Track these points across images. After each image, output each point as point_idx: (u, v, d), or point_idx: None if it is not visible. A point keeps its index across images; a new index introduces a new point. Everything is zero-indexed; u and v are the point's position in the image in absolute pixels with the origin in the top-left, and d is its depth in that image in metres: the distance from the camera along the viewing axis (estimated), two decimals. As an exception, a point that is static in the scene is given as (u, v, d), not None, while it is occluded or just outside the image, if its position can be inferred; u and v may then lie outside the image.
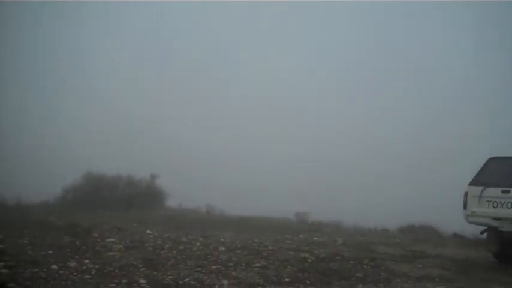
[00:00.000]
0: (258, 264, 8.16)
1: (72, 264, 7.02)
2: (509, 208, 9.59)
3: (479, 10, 27.22)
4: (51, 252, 7.69)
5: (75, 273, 6.56)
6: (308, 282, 7.33)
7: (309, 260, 8.92)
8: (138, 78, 28.82)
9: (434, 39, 30.60)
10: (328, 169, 25.67)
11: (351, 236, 13.59)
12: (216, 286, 6.54)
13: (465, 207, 10.25)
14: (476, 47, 29.09)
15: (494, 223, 9.79)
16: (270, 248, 9.80)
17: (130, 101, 27.46)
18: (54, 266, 6.80)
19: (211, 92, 28.85)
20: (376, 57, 30.33)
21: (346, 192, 22.79)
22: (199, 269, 7.45)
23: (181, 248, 9.06)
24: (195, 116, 27.99)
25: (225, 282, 6.81)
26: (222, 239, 10.35)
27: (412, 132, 25.94)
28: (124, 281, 6.37)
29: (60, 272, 6.58)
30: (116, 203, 17.27)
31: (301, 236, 12.29)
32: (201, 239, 10.09)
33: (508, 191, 9.62)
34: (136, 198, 18.20)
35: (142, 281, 6.44)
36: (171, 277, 6.78)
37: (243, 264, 8.03)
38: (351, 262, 9.05)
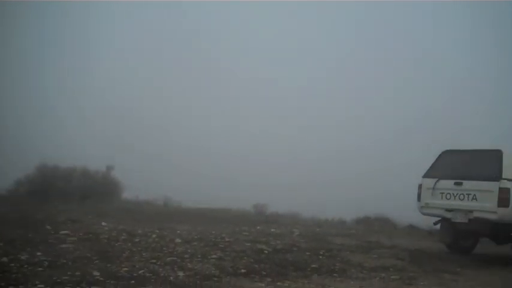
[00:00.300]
0: (214, 256, 8.18)
1: (23, 256, 6.88)
2: (461, 200, 9.91)
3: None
4: (1, 244, 7.52)
5: (26, 266, 6.44)
6: (264, 273, 7.40)
7: (266, 251, 9.00)
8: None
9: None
10: (290, 163, 25.85)
11: (308, 227, 13.76)
12: (171, 278, 6.53)
13: (419, 199, 10.55)
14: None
15: (447, 214, 10.11)
16: (227, 239, 9.84)
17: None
18: (5, 259, 6.65)
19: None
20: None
21: (305, 185, 22.98)
22: (154, 261, 7.41)
23: (137, 240, 8.99)
24: (157, 106, 27.65)
25: (181, 274, 6.81)
26: (178, 231, 10.32)
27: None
28: (77, 273, 6.29)
29: (11, 264, 6.45)
30: (70, 194, 16.96)
31: (258, 227, 12.38)
32: (157, 231, 10.04)
33: (461, 183, 9.94)
34: (92, 190, 17.90)
35: (96, 273, 6.36)
36: (125, 269, 6.73)
37: (199, 256, 8.04)
38: (307, 253, 9.18)
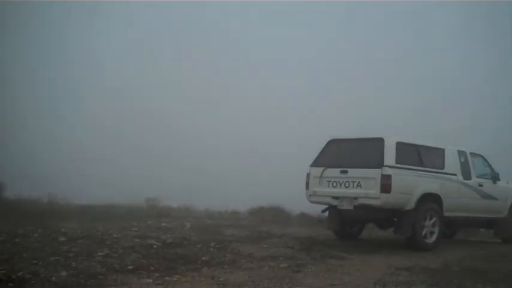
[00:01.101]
0: (100, 253, 8.09)
1: None
2: (347, 187, 10.46)
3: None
4: None
5: None
6: (152, 268, 7.46)
7: (155, 246, 9.03)
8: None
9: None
10: (184, 155, 25.74)
11: (201, 220, 13.93)
12: (53, 278, 6.41)
13: (307, 187, 11.01)
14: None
15: (334, 202, 10.64)
16: (115, 235, 9.75)
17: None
18: None
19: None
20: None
21: (198, 177, 23.06)
22: (35, 261, 7.22)
23: (17, 240, 8.68)
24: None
25: (64, 273, 6.70)
26: (63, 229, 10.06)
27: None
28: None
29: None
30: None
31: (149, 222, 12.36)
32: (39, 230, 9.73)
33: (346, 171, 10.48)
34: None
35: (-32, 278, 6.11)
36: (3, 272, 6.50)
37: (84, 254, 7.92)
38: (198, 246, 9.32)
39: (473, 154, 12.02)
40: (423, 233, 10.48)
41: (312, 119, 27.12)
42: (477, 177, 11.86)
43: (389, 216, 10.54)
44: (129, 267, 7.40)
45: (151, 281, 6.85)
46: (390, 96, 28.15)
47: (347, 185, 10.47)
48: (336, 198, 10.59)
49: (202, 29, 30.80)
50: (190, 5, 28.89)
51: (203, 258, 8.32)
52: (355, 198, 10.28)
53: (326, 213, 11.52)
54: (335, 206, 10.70)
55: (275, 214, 16.08)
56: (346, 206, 10.42)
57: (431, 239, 10.63)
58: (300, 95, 28.68)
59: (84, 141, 25.04)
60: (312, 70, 30.24)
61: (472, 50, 28.37)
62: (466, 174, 11.59)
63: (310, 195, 11.00)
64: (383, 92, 28.78)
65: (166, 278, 7.03)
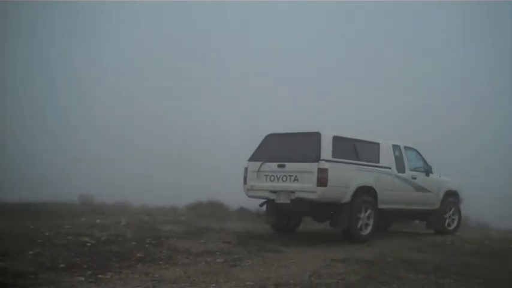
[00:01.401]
0: (31, 252, 7.91)
1: None
2: (284, 181, 10.60)
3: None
4: None
5: None
6: (85, 266, 7.36)
7: (89, 244, 8.91)
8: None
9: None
10: (116, 151, 25.34)
11: (137, 216, 13.78)
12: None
13: (245, 182, 11.10)
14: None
15: (272, 196, 10.76)
16: (47, 233, 9.54)
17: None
18: None
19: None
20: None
21: (134, 172, 22.79)
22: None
23: None
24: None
25: (-10, 273, 6.52)
26: (-9, 228, 9.76)
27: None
28: None
29: None
30: None
31: (83, 219, 12.14)
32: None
33: (283, 165, 10.62)
34: None
35: None
36: None
37: (13, 253, 7.71)
38: (133, 243, 9.25)
39: (407, 148, 12.41)
40: (358, 225, 10.75)
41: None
42: (411, 170, 12.25)
43: (325, 209, 10.75)
44: (61, 265, 7.29)
45: (83, 279, 6.77)
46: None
47: (284, 179, 10.61)
48: (274, 192, 10.71)
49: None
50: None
51: (138, 255, 8.28)
52: (293, 192, 10.43)
53: (264, 208, 11.63)
54: (272, 200, 10.82)
55: (214, 209, 16.10)
56: (283, 200, 10.56)
57: (367, 231, 10.92)
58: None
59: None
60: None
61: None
62: (400, 168, 11.96)
63: (248, 189, 11.09)
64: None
65: (99, 275, 6.96)
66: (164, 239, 9.78)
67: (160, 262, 8.01)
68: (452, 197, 13.19)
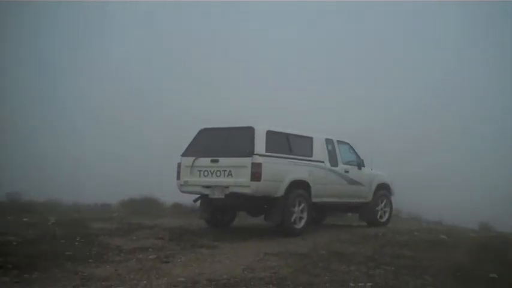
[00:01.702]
0: (-49, 253, 7.63)
1: None
2: (218, 176, 10.64)
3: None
4: None
5: None
6: (11, 266, 7.17)
7: (15, 243, 8.68)
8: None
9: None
10: (52, 149, 24.75)
11: (67, 214, 13.49)
12: None
13: (178, 177, 11.06)
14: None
15: (205, 191, 10.77)
16: (-30, 233, 9.22)
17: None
18: None
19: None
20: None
21: (65, 169, 22.28)
22: None
23: None
24: None
25: None
26: None
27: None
28: None
29: None
30: None
31: (9, 217, 11.77)
32: None
33: (217, 160, 10.65)
34: None
35: None
36: None
37: None
38: (62, 241, 9.08)
39: (340, 142, 12.68)
40: (292, 219, 10.91)
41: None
42: (343, 164, 12.54)
43: (259, 203, 10.86)
44: (-16, 266, 7.06)
45: (8, 279, 6.60)
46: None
47: (218, 174, 10.64)
48: (208, 187, 10.72)
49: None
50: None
51: (67, 253, 8.13)
52: (226, 187, 10.47)
53: (198, 203, 11.64)
54: (206, 195, 10.84)
55: (147, 206, 15.94)
56: (217, 195, 10.59)
57: (300, 225, 11.10)
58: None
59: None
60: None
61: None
62: (333, 162, 12.22)
63: (181, 185, 11.05)
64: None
65: (25, 275, 6.80)
66: (94, 237, 9.63)
67: (90, 260, 7.90)
68: (384, 190, 13.56)
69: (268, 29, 31.75)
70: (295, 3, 30.70)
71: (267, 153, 10.47)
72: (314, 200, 11.44)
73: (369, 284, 7.23)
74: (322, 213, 13.57)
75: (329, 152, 12.20)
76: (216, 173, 10.65)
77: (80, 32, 28.37)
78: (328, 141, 12.30)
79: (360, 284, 7.18)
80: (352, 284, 7.18)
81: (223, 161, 10.59)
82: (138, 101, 27.16)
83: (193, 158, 10.88)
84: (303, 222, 11.14)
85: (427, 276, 7.80)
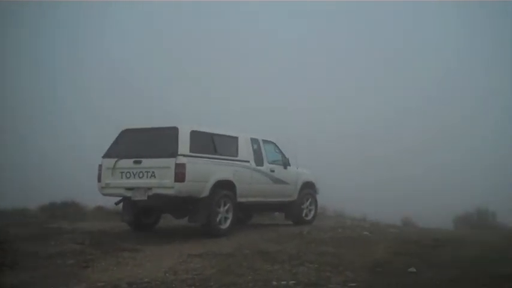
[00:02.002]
0: None
1: None
2: (141, 178, 10.49)
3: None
4: None
5: None
6: None
7: None
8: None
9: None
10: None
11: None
12: None
13: (99, 179, 10.83)
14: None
15: (128, 193, 10.60)
16: None
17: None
18: None
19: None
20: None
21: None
22: None
23: None
24: None
25: None
26: None
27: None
28: None
29: None
30: None
31: None
32: None
33: (140, 161, 10.50)
34: None
35: None
36: None
37: None
38: (-27, 249, 8.68)
39: (265, 141, 12.80)
40: (218, 220, 10.91)
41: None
42: (269, 163, 12.66)
43: (184, 204, 10.78)
44: None
45: None
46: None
47: (141, 175, 10.50)
48: (130, 189, 10.56)
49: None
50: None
51: (-21, 262, 7.79)
52: (150, 188, 10.35)
53: (121, 205, 11.43)
54: (129, 198, 10.67)
55: (68, 210, 15.50)
56: (140, 196, 10.44)
57: (226, 225, 11.11)
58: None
59: None
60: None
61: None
62: (259, 161, 12.31)
63: (102, 187, 10.83)
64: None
65: None
66: (9, 243, 9.26)
67: (4, 267, 7.61)
68: (309, 189, 13.77)
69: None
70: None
71: (191, 154, 10.43)
72: (239, 199, 11.49)
73: (292, 281, 7.32)
74: (249, 213, 13.64)
75: (254, 151, 12.29)
76: (138, 175, 10.51)
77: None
78: (254, 141, 12.39)
79: (282, 282, 7.27)
80: (275, 283, 7.26)
81: (147, 162, 10.46)
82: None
83: (115, 159, 10.68)
84: (228, 222, 11.17)
85: (349, 272, 7.98)
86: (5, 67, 25.02)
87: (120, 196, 10.91)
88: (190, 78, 28.95)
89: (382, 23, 30.82)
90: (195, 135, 10.70)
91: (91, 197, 14.82)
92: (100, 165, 10.85)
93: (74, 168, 21.17)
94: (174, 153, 10.25)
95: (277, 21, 33.32)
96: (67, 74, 27.76)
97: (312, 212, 13.87)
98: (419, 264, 8.44)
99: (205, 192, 10.62)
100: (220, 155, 11.22)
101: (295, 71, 31.72)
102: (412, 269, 8.14)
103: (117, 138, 11.06)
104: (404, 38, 31.69)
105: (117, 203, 11.30)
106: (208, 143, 11.11)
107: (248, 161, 11.95)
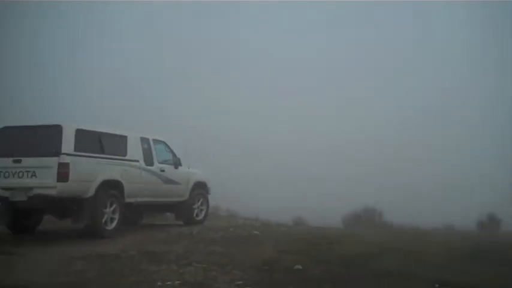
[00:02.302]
0: None
1: None
2: (20, 177, 10.07)
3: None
4: None
5: None
6: None
7: None
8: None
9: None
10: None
11: None
12: None
13: (-26, 180, 10.24)
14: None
15: (5, 194, 10.14)
16: None
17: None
18: None
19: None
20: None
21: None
22: None
23: None
24: None
25: None
26: None
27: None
28: None
29: None
30: None
31: None
32: None
33: (20, 161, 10.07)
34: None
35: None
36: None
37: None
38: None
39: (156, 141, 12.66)
40: (103, 220, 10.68)
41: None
42: (159, 163, 12.54)
43: (67, 205, 10.42)
44: None
45: None
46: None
47: (21, 175, 10.09)
48: (9, 189, 10.11)
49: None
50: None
51: None
52: (30, 188, 9.97)
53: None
54: (7, 198, 10.19)
55: None
56: (19, 197, 10.03)
57: (112, 226, 10.89)
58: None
59: None
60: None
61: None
62: (149, 161, 12.17)
63: (-23, 188, 10.25)
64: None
65: None
66: None
67: None
68: (200, 189, 13.78)
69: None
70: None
71: (76, 153, 10.16)
72: (128, 200, 11.32)
73: (178, 282, 7.33)
74: (139, 214, 13.41)
75: (144, 151, 12.13)
76: (18, 174, 10.09)
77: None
78: (144, 140, 12.24)
79: (168, 283, 7.26)
80: (159, 283, 7.23)
81: (27, 161, 10.07)
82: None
83: None
84: (114, 223, 10.97)
85: (236, 271, 8.09)
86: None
87: (-3, 197, 10.38)
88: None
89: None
90: (80, 133, 10.46)
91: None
92: None
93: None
94: (57, 152, 9.95)
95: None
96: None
97: (203, 212, 13.88)
98: (306, 261, 8.69)
99: (91, 192, 10.39)
100: (108, 154, 11.01)
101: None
102: (298, 267, 8.36)
103: (-5, 137, 10.53)
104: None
105: (-6, 204, 10.74)
106: (95, 142, 10.89)
107: (137, 161, 11.79)
